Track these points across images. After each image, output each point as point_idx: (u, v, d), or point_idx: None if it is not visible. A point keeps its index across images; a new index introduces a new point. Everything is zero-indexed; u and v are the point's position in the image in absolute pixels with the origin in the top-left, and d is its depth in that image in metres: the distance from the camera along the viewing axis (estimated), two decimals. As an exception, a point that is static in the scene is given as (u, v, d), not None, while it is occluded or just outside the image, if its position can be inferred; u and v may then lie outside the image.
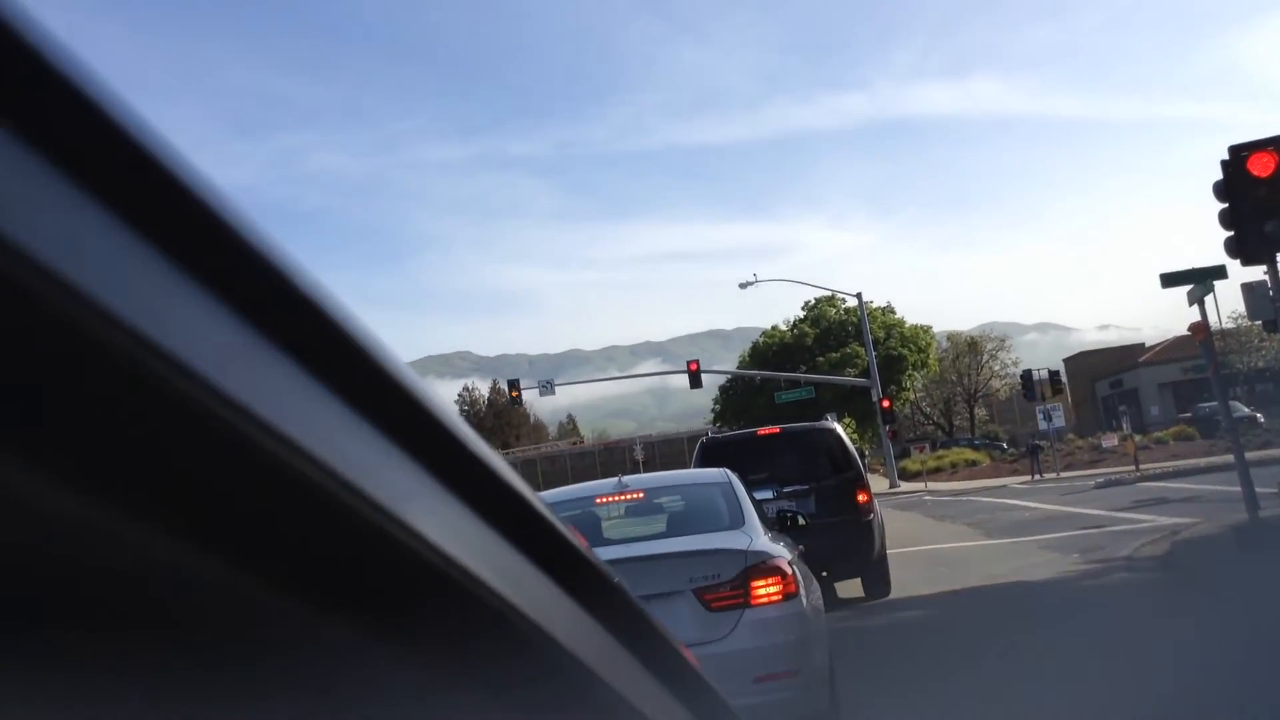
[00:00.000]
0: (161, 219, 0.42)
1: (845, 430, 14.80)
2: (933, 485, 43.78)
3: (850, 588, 13.43)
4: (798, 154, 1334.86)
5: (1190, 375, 57.90)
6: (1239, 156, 12.31)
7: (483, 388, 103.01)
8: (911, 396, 72.40)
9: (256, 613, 0.53)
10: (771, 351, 67.09)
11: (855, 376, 56.62)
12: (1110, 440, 42.40)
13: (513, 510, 0.73)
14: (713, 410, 70.12)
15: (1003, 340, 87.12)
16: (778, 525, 8.05)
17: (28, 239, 0.34)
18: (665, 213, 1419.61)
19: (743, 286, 51.31)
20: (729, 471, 7.70)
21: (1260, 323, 14.64)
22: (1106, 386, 73.00)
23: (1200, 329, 14.46)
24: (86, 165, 0.39)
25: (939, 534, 20.71)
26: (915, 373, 66.82)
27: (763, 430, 14.41)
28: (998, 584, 12.90)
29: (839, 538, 12.24)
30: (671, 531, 7.06)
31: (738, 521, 6.73)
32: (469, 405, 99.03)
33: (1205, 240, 14.35)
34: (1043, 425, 40.39)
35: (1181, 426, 45.05)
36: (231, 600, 0.50)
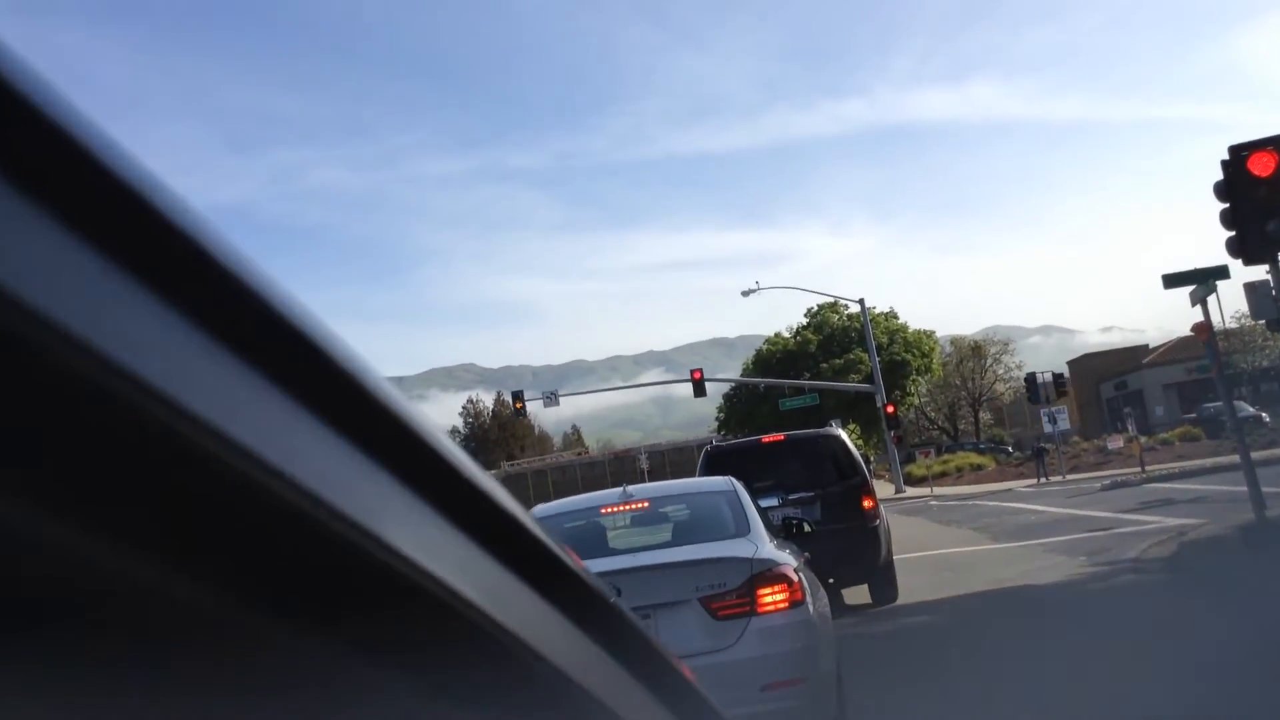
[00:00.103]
0: (128, 240, 0.42)
1: (850, 436, 14.78)
2: (938, 490, 43.70)
3: (857, 594, 13.40)
4: (798, 161, 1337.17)
5: (1194, 376, 57.70)
6: (1239, 156, 12.30)
7: (487, 400, 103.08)
8: (916, 401, 72.35)
9: (235, 630, 0.52)
10: (775, 359, 67.07)
11: (859, 382, 56.57)
12: (1115, 442, 42.35)
13: (492, 521, 0.73)
14: (717, 418, 70.02)
15: (1006, 344, 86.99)
16: (783, 533, 8.03)
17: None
18: (667, 221, 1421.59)
19: (745, 294, 51.29)
20: (734, 479, 7.68)
21: (1264, 322, 14.61)
22: (1111, 388, 72.94)
23: (1203, 329, 14.45)
24: (53, 190, 0.39)
25: (945, 539, 20.67)
26: (919, 378, 66.75)
27: (767, 438, 14.39)
28: (1005, 588, 12.87)
29: (845, 544, 12.22)
30: (677, 540, 7.05)
31: (743, 529, 6.72)
32: (473, 418, 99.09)
33: (1207, 240, 14.35)
34: (1047, 428, 40.31)
35: (1187, 427, 45.01)
36: (211, 618, 0.50)
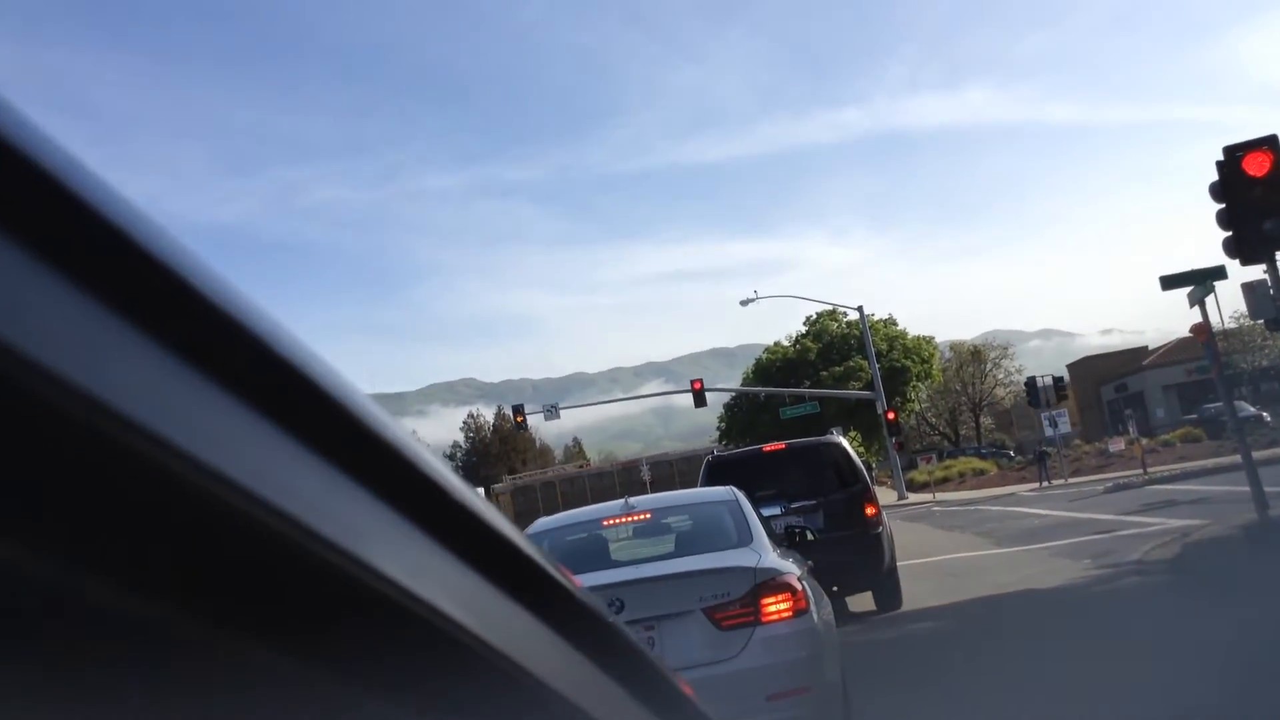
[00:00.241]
0: (98, 267, 0.42)
1: (851, 444, 14.79)
2: (941, 496, 43.66)
3: (861, 601, 13.39)
4: (796, 170, 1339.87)
5: (1194, 377, 57.75)
6: (1234, 157, 12.33)
7: (488, 414, 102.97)
8: (916, 408, 72.38)
9: (220, 656, 0.52)
10: (775, 368, 67.13)
11: (859, 390, 56.58)
12: (1117, 444, 42.28)
13: (481, 540, 0.72)
14: (718, 428, 70.08)
15: (1006, 348, 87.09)
16: (786, 541, 8.03)
17: None
18: (666, 233, 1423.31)
19: (744, 304, 51.33)
20: (735, 489, 7.68)
21: (1263, 322, 14.63)
22: (1111, 391, 72.89)
23: (1202, 330, 14.46)
24: (23, 220, 0.39)
25: (949, 544, 20.64)
26: (919, 384, 66.82)
27: (768, 446, 14.40)
28: (1009, 593, 12.85)
29: (848, 552, 12.21)
30: (680, 551, 7.04)
31: (746, 539, 6.71)
32: (474, 432, 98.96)
33: (1205, 241, 14.36)
34: (1049, 431, 40.27)
35: (1188, 428, 44.93)
36: (194, 644, 0.50)
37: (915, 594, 13.35)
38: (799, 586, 6.06)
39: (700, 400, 45.06)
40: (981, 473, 50.61)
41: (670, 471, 61.30)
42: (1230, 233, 12.52)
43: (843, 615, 11.33)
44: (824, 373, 63.33)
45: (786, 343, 69.70)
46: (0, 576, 0.40)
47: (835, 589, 11.44)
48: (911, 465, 55.77)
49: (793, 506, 12.69)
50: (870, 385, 52.37)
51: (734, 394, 68.89)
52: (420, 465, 0.63)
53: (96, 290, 0.42)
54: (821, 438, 15.24)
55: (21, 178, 0.40)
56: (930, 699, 8.00)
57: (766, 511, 9.01)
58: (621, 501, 7.67)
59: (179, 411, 0.43)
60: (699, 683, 4.88)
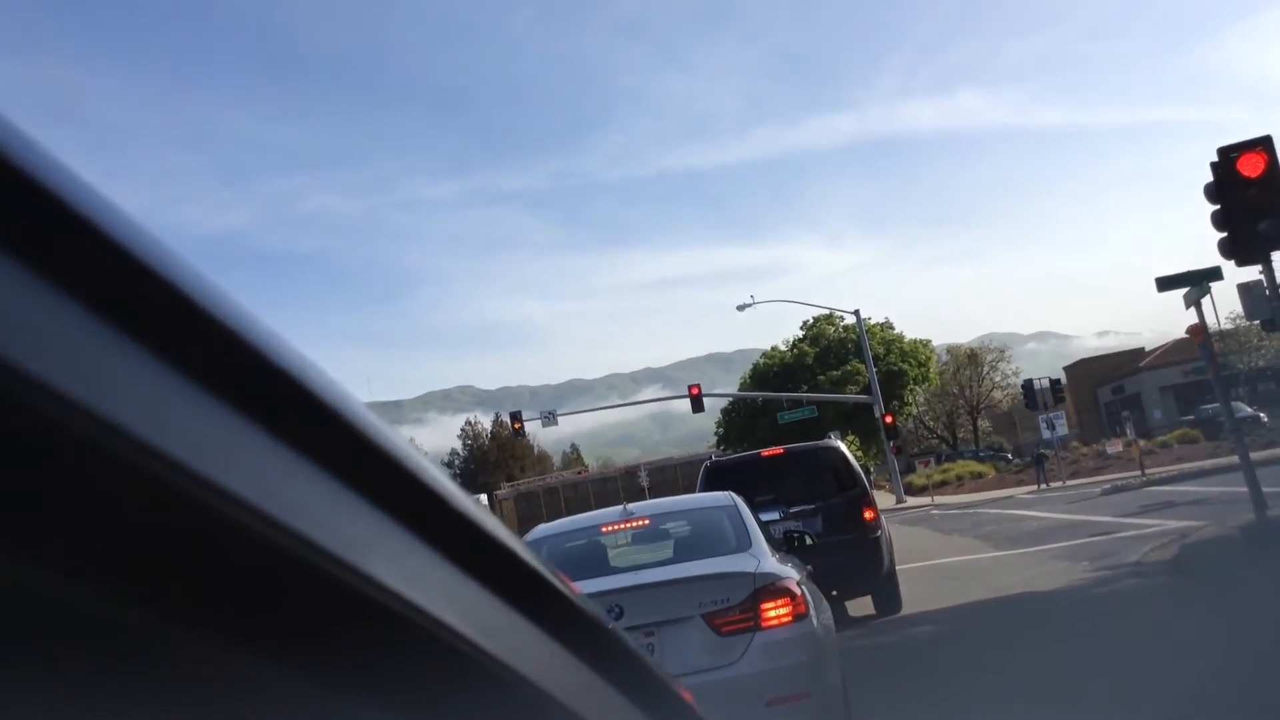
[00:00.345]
0: (87, 276, 0.42)
1: (849, 448, 14.78)
2: (939, 499, 43.67)
3: (861, 605, 13.38)
4: (790, 175, 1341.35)
5: (1191, 378, 57.90)
6: (1228, 158, 12.35)
7: (485, 421, 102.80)
8: (914, 411, 72.33)
9: (215, 666, 0.52)
10: (772, 372, 67.08)
11: (857, 394, 56.58)
12: (1114, 446, 42.33)
13: (479, 548, 0.72)
14: (716, 433, 69.99)
15: (1002, 351, 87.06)
16: (785, 546, 8.02)
17: None
18: (661, 239, 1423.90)
19: (740, 309, 51.32)
20: (734, 494, 7.68)
21: (1259, 322, 14.64)
22: (1108, 392, 72.96)
23: (1198, 331, 14.47)
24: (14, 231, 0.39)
25: (948, 548, 20.64)
26: (916, 387, 66.75)
27: (766, 451, 14.39)
28: (1009, 595, 12.85)
29: (847, 556, 12.20)
30: (679, 557, 7.03)
31: (744, 544, 6.71)
32: (472, 439, 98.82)
33: (1201, 242, 14.38)
34: (1046, 434, 40.27)
35: (1185, 429, 44.94)
36: (189, 655, 0.50)
37: (915, 597, 13.34)
38: (798, 591, 6.05)
39: (698, 405, 45.06)
40: (979, 476, 50.61)
41: (675, 475, 61.26)
42: (1225, 234, 12.54)
43: (842, 619, 11.34)
44: (821, 377, 63.28)
45: (784, 347, 69.63)
46: (1, 588, 0.40)
47: (835, 593, 11.44)
48: (909, 469, 55.81)
49: (791, 511, 12.69)
50: (867, 389, 52.39)
51: (731, 399, 68.85)
52: (418, 473, 0.63)
53: (93, 303, 0.42)
54: (819, 442, 15.26)
55: (17, 192, 0.40)
56: (931, 702, 8.00)
57: (765, 516, 9.00)
58: (620, 508, 7.66)
59: (175, 423, 0.43)
60: (699, 689, 4.87)
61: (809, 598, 6.20)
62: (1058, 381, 43.99)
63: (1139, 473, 32.55)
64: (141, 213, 0.46)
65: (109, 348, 0.42)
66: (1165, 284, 14.50)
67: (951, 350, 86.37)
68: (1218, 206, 12.47)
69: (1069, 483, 37.66)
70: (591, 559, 7.17)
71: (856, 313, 52.95)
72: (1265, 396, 51.80)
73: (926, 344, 68.19)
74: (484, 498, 62.69)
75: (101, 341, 0.42)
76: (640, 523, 7.48)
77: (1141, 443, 38.23)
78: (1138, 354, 75.72)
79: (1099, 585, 12.73)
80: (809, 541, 8.83)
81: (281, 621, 0.54)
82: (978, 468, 53.23)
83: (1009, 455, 66.33)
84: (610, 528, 7.47)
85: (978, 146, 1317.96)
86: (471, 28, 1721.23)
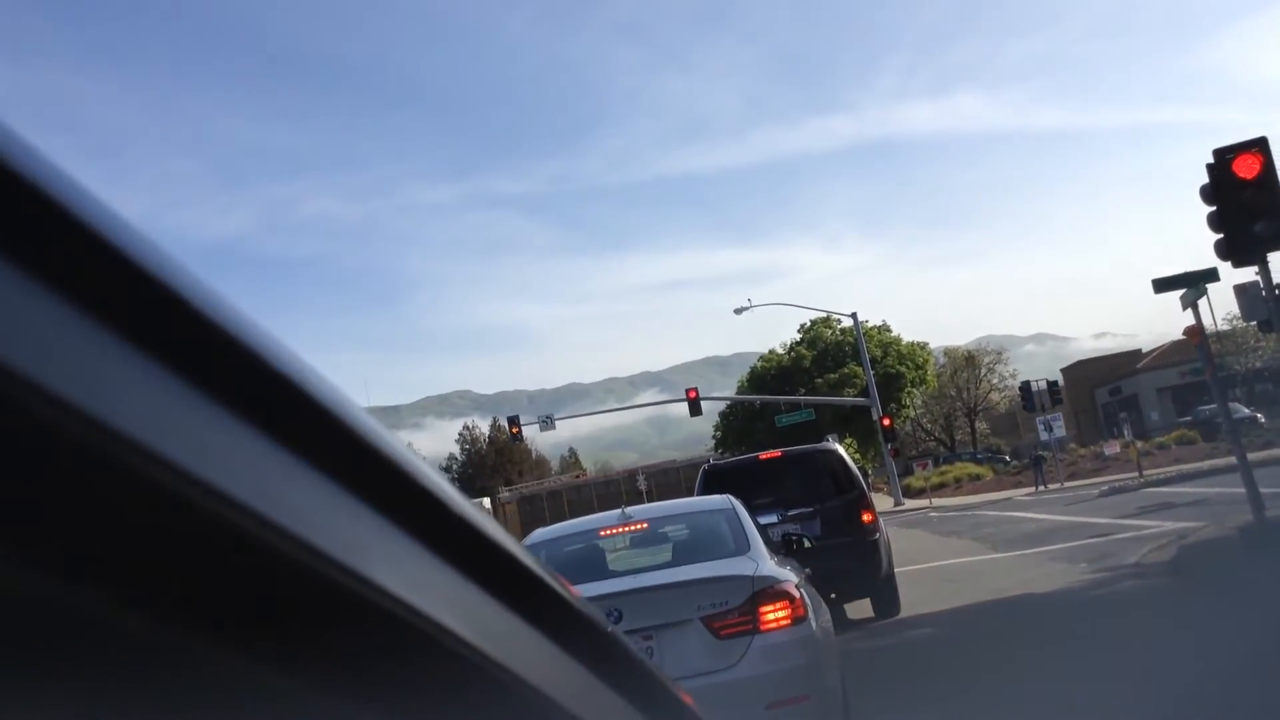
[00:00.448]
0: (89, 282, 0.42)
1: (847, 450, 14.78)
2: (937, 501, 43.70)
3: (860, 608, 13.38)
4: (788, 178, 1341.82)
5: (1188, 379, 57.95)
6: (1224, 159, 12.36)
7: (483, 425, 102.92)
8: (912, 414, 72.36)
9: (217, 672, 0.52)
10: (770, 375, 67.12)
11: (854, 396, 56.62)
12: (1112, 448, 42.38)
13: (479, 552, 0.72)
14: (714, 437, 70.00)
15: (1000, 353, 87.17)
16: (783, 549, 8.03)
17: None
18: (659, 242, 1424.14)
19: (738, 312, 51.35)
20: (732, 498, 7.68)
21: (1255, 323, 14.65)
22: (1106, 394, 73.06)
23: (1195, 332, 14.49)
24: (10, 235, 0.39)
25: (946, 550, 20.65)
26: (914, 390, 66.81)
27: (764, 454, 14.38)
28: (1007, 597, 12.86)
29: (846, 559, 12.21)
30: (677, 560, 7.03)
31: (743, 547, 6.71)
32: (470, 444, 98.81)
33: (1198, 244, 14.39)
34: (1044, 436, 40.31)
35: (1183, 430, 45.03)
36: (189, 661, 0.50)
37: (913, 600, 13.35)
38: (797, 594, 6.05)
39: (696, 409, 45.08)
40: (977, 478, 50.65)
41: (678, 478, 61.19)
42: (1221, 235, 12.55)
43: (841, 622, 11.33)
44: (819, 380, 63.33)
45: (781, 350, 69.68)
46: (1, 594, 0.41)
47: (833, 596, 11.45)
48: (907, 471, 55.82)
49: (789, 514, 12.69)
50: (865, 392, 52.40)
51: (729, 402, 68.88)
52: (417, 478, 0.63)
53: (93, 308, 0.42)
54: (817, 445, 15.24)
55: (16, 197, 0.40)
56: (930, 704, 8.00)
57: (763, 519, 9.00)
58: (619, 511, 7.67)
59: (175, 428, 0.43)
60: (698, 692, 4.87)
61: (808, 600, 6.20)
62: (1055, 383, 44.05)
63: (1137, 474, 32.59)
64: (141, 217, 0.46)
65: (109, 353, 0.42)
66: (1162, 286, 14.51)
67: (949, 352, 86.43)
68: (1214, 208, 12.48)
69: (1067, 484, 37.69)
70: (590, 562, 7.18)
71: (854, 315, 53.00)
72: (1262, 397, 51.88)
73: (924, 346, 68.27)
74: (487, 501, 62.71)
75: (101, 347, 0.42)
76: (638, 526, 7.48)
77: (1139, 444, 38.28)
78: (1135, 355, 75.86)
79: (1097, 587, 12.74)
80: (807, 544, 8.83)
81: (282, 626, 0.54)
82: (976, 470, 53.27)
83: (1007, 457, 66.36)
84: (609, 531, 7.48)
85: (975, 148, 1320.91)
86: (468, 31, 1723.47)
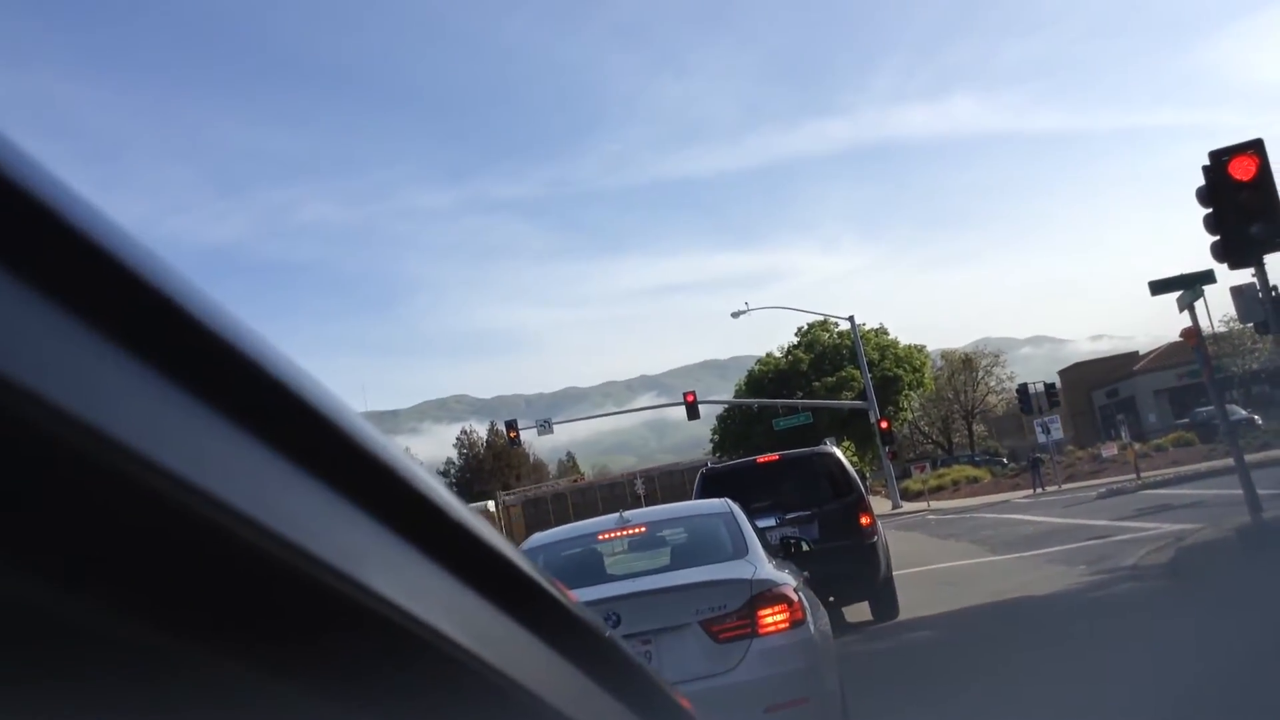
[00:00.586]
0: (81, 287, 0.42)
1: (845, 453, 14.78)
2: (935, 504, 43.70)
3: (858, 611, 13.37)
4: (785, 181, 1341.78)
5: (1186, 381, 58.02)
6: (1220, 161, 12.38)
7: (481, 430, 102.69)
8: (909, 416, 72.42)
9: (215, 680, 0.52)
10: (767, 379, 67.15)
11: (852, 400, 56.64)
12: (1110, 450, 42.41)
13: (475, 557, 0.72)
14: (711, 440, 70.02)
15: (997, 356, 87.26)
16: (781, 552, 8.02)
17: None
18: (656, 246, 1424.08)
19: (735, 315, 51.44)
20: (730, 501, 7.68)
21: (1252, 325, 14.67)
22: (1103, 396, 73.12)
23: (1192, 334, 14.51)
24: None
25: (944, 553, 20.64)
26: (911, 392, 66.87)
27: (762, 458, 14.38)
28: (1005, 600, 12.86)
29: (844, 562, 12.20)
30: (675, 564, 7.03)
31: (741, 551, 6.71)
32: (468, 448, 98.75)
33: (1195, 245, 14.40)
34: (1041, 438, 40.36)
35: (1180, 432, 45.08)
36: (190, 669, 0.50)
37: (912, 603, 13.34)
38: (795, 597, 6.05)
39: (693, 413, 45.07)
40: (975, 480, 50.69)
41: (681, 480, 61.04)
42: (1218, 237, 12.57)
43: (839, 626, 11.32)
44: (816, 383, 63.36)
45: (778, 354, 69.74)
46: (1, 600, 0.41)
47: (831, 599, 11.44)
48: (905, 474, 55.85)
49: (787, 517, 12.69)
50: (863, 395, 52.45)
51: (727, 406, 68.90)
52: (415, 483, 0.63)
53: (88, 316, 0.42)
54: (815, 448, 15.23)
55: (10, 204, 0.40)
56: (928, 707, 8.00)
57: (761, 523, 9.00)
58: (616, 515, 7.66)
59: (172, 435, 0.43)
60: (697, 696, 4.87)
61: (806, 604, 6.20)
62: (1052, 385, 44.11)
63: (1134, 476, 32.62)
64: (137, 224, 0.47)
65: (105, 360, 0.42)
66: (1158, 288, 14.53)
67: (946, 355, 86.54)
68: (1210, 210, 12.50)
69: (1064, 487, 37.73)
70: (588, 567, 7.17)
71: (851, 319, 53.04)
72: (1260, 399, 51.96)
73: (921, 349, 68.33)
74: (491, 504, 62.67)
75: (97, 354, 0.42)
76: (636, 530, 7.48)
77: (1137, 446, 38.28)
78: (1132, 358, 75.90)
79: (1095, 589, 12.74)
80: (805, 547, 8.83)
81: (279, 632, 0.54)
82: (973, 472, 53.32)
83: (1004, 460, 66.42)
84: (606, 535, 7.47)
85: (972, 150, 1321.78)
86: (465, 34, 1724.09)
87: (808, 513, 12.99)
